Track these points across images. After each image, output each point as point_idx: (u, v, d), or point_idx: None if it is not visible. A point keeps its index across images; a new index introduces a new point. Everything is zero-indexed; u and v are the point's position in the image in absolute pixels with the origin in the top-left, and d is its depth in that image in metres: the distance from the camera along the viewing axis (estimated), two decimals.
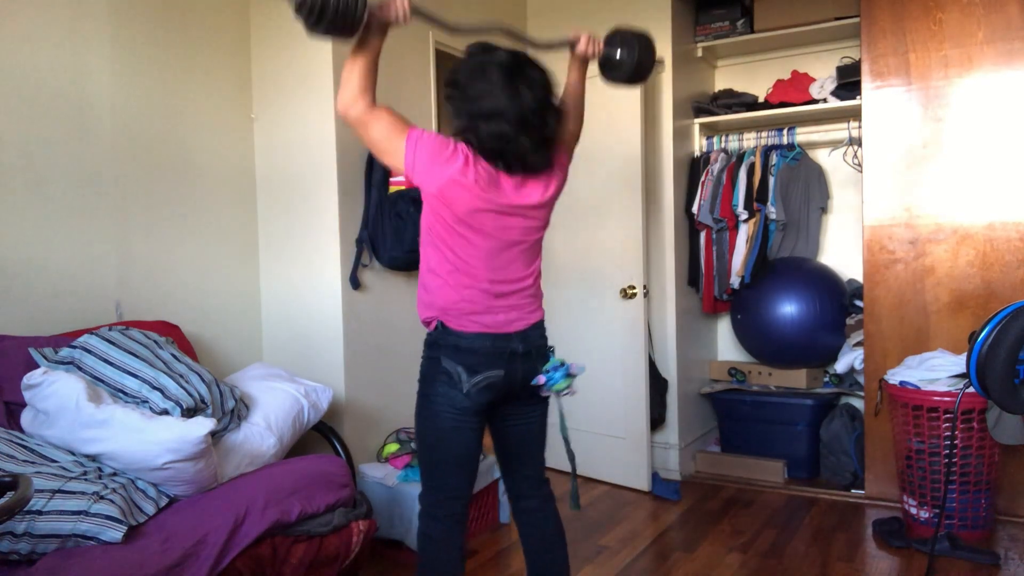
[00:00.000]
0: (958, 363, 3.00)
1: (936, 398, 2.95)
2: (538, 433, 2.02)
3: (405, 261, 3.05)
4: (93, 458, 2.02)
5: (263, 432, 2.41)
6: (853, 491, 3.55)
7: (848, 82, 3.65)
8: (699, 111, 4.08)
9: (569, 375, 1.89)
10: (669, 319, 3.88)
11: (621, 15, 3.89)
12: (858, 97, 3.52)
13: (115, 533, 1.77)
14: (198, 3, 2.95)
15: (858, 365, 3.59)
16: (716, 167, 3.92)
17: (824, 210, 4.03)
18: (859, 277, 3.75)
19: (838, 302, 3.77)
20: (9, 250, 2.34)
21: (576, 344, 3.84)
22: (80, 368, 2.15)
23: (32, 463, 1.92)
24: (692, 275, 4.05)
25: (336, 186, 2.95)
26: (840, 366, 3.73)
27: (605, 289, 3.73)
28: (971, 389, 2.32)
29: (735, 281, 3.88)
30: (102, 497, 1.81)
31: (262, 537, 2.03)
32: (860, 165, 3.61)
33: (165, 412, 2.13)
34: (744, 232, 3.86)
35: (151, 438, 1.96)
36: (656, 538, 3.13)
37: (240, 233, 3.13)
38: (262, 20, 3.14)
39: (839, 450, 3.68)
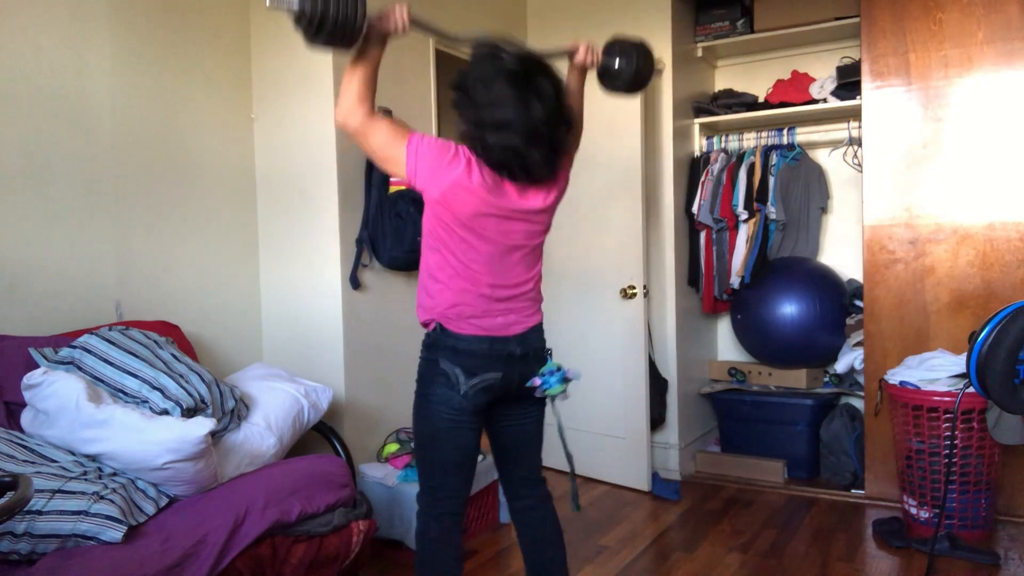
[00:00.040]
0: (958, 363, 3.00)
1: (936, 398, 2.95)
2: (534, 433, 2.02)
3: (405, 261, 3.05)
4: (93, 458, 2.02)
5: (263, 432, 2.41)
6: (853, 491, 3.55)
7: (848, 82, 3.65)
8: (699, 111, 4.08)
9: (565, 380, 1.89)
10: (669, 319, 3.88)
11: (621, 15, 3.89)
12: (858, 97, 3.52)
13: (115, 533, 1.77)
14: (198, 3, 2.95)
15: (858, 365, 3.59)
16: (716, 167, 3.92)
17: (824, 210, 4.03)
18: (859, 277, 3.75)
19: (838, 302, 3.77)
20: (9, 250, 2.34)
21: (576, 344, 3.84)
22: (80, 368, 2.15)
23: (32, 463, 1.92)
24: (692, 275, 4.05)
25: (336, 186, 2.95)
26: (840, 366, 3.73)
27: (605, 289, 3.73)
28: (971, 389, 2.32)
29: (735, 281, 3.88)
30: (102, 497, 1.81)
31: (262, 537, 2.03)
32: (860, 165, 3.61)
33: (165, 412, 2.13)
34: (744, 232, 3.86)
35: (151, 438, 1.96)
36: (656, 538, 3.13)
37: (240, 233, 3.13)
38: (262, 20, 3.14)
39: (839, 450, 3.68)
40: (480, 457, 2.84)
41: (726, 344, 4.38)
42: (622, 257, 3.65)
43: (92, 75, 2.57)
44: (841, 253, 4.01)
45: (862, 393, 3.64)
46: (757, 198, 3.83)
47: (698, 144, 4.14)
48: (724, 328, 4.37)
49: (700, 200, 3.92)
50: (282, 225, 3.14)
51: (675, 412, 3.87)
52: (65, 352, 2.20)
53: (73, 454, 2.02)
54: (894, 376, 3.13)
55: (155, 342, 2.37)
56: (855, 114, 3.66)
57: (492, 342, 1.83)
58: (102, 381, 2.14)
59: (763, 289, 3.83)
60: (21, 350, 2.21)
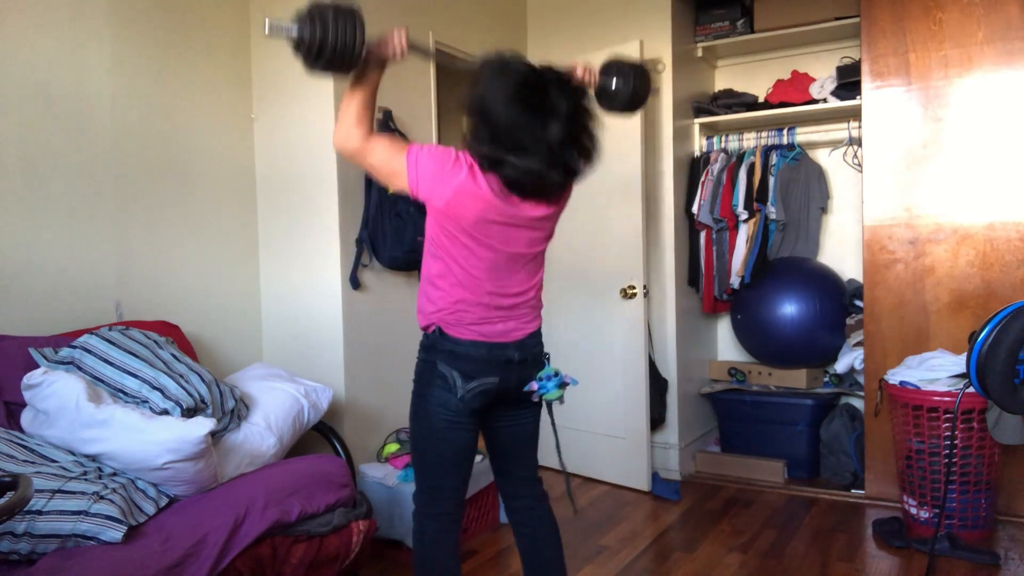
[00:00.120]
0: (958, 363, 3.00)
1: (936, 398, 2.95)
2: (531, 434, 2.02)
3: (405, 261, 3.05)
4: (93, 458, 2.02)
5: (263, 432, 2.41)
6: (853, 491, 3.55)
7: (848, 82, 3.65)
8: (699, 111, 4.08)
9: (562, 385, 1.90)
10: (669, 319, 3.88)
11: (621, 15, 3.89)
12: (858, 97, 3.52)
13: (115, 533, 1.77)
14: (198, 3, 2.95)
15: (858, 365, 3.59)
16: (716, 167, 3.92)
17: (824, 210, 4.03)
18: (859, 277, 3.75)
19: (838, 302, 3.77)
20: (9, 250, 2.34)
21: (576, 344, 3.84)
22: (80, 368, 2.15)
23: (32, 463, 1.92)
24: (692, 275, 4.05)
25: (336, 186, 2.95)
26: (840, 366, 3.74)
27: (605, 289, 3.73)
28: (971, 389, 2.32)
29: (735, 281, 3.88)
30: (102, 497, 1.81)
31: (262, 537, 2.03)
32: (860, 165, 3.61)
33: (165, 412, 2.13)
34: (744, 232, 3.86)
35: (151, 438, 1.96)
36: (656, 538, 3.13)
37: (240, 233, 3.13)
38: (262, 20, 3.13)
39: (839, 450, 3.68)
40: (479, 458, 2.85)
41: (726, 344, 4.38)
42: (622, 257, 3.65)
43: (92, 75, 2.57)
44: (841, 253, 4.01)
45: (862, 393, 3.64)
46: (757, 198, 3.83)
47: (698, 144, 4.14)
48: (724, 328, 4.37)
49: (700, 200, 3.92)
50: (282, 225, 3.14)
51: (675, 412, 3.87)
52: (65, 352, 2.20)
53: (73, 454, 2.02)
54: (894, 376, 3.13)
55: (155, 342, 2.37)
56: (855, 114, 3.66)
57: (491, 348, 1.84)
58: (102, 381, 2.14)
59: (763, 289, 3.83)
60: (21, 350, 2.21)
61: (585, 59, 2.02)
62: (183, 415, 2.15)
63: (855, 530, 3.16)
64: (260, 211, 3.20)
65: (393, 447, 3.01)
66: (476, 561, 2.90)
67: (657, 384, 3.80)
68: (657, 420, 3.80)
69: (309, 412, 2.58)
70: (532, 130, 1.67)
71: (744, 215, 3.84)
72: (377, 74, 1.81)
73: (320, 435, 2.71)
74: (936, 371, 3.02)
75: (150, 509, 1.95)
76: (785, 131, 3.93)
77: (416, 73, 3.34)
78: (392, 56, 1.79)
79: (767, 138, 3.97)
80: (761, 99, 4.04)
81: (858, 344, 3.59)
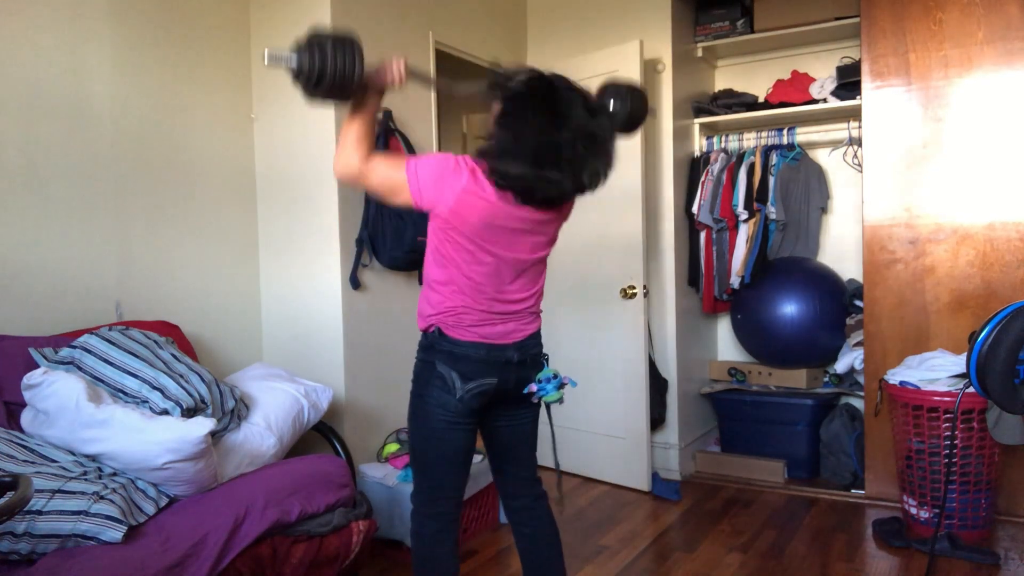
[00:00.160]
0: (958, 363, 3.00)
1: (936, 398, 2.95)
2: (529, 434, 2.02)
3: (405, 261, 3.05)
4: (93, 458, 2.02)
5: (263, 432, 2.41)
6: (853, 491, 3.55)
7: (848, 82, 3.65)
8: (699, 111, 4.08)
9: (561, 386, 1.90)
10: (669, 319, 3.88)
11: (621, 15, 3.90)
12: (858, 97, 3.52)
13: (115, 533, 1.77)
14: (198, 3, 2.95)
15: (858, 365, 3.59)
16: (716, 167, 3.93)
17: (824, 210, 4.03)
18: (859, 277, 3.75)
19: (838, 302, 3.77)
20: (9, 250, 2.34)
21: (576, 344, 3.84)
22: (80, 368, 2.15)
23: (32, 463, 1.92)
24: (692, 275, 4.05)
25: (336, 186, 2.95)
26: (840, 366, 3.74)
27: (605, 289, 3.73)
28: (971, 389, 2.32)
29: (735, 281, 3.88)
30: (102, 497, 1.81)
31: (262, 537, 2.03)
32: (860, 165, 3.61)
33: (165, 412, 2.13)
34: (744, 232, 3.86)
35: (151, 438, 1.96)
36: (656, 538, 3.13)
37: (240, 233, 3.13)
38: (262, 20, 3.14)
39: (839, 450, 3.68)
40: (479, 457, 2.85)
41: (726, 344, 4.38)
42: (622, 257, 3.65)
43: (92, 75, 2.58)
44: (841, 253, 4.01)
45: (862, 393, 3.64)
46: (757, 198, 3.83)
47: (698, 144, 4.14)
48: (724, 328, 4.37)
49: (700, 200, 3.92)
50: (282, 225, 3.14)
51: (675, 412, 3.87)
52: (65, 352, 2.20)
53: (73, 454, 2.02)
54: (894, 376, 3.13)
55: (155, 342, 2.37)
56: (855, 114, 3.66)
57: (490, 349, 1.84)
58: (102, 381, 2.14)
59: (763, 289, 3.83)
60: (21, 350, 2.21)
61: (583, 76, 2.02)
62: (183, 415, 2.15)
63: (855, 530, 3.16)
64: (260, 211, 3.20)
65: (393, 447, 3.01)
66: (476, 561, 2.90)
67: (657, 384, 3.80)
68: (657, 420, 3.80)
69: (309, 412, 2.58)
70: (549, 143, 1.66)
71: (744, 215, 3.84)
72: (375, 101, 1.82)
73: (320, 435, 2.71)
74: (936, 371, 3.02)
75: (150, 509, 1.95)
76: (785, 131, 3.93)
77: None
78: (391, 84, 1.80)
79: (767, 138, 3.97)
80: (761, 99, 4.04)
81: (858, 344, 3.59)
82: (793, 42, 3.98)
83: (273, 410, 2.49)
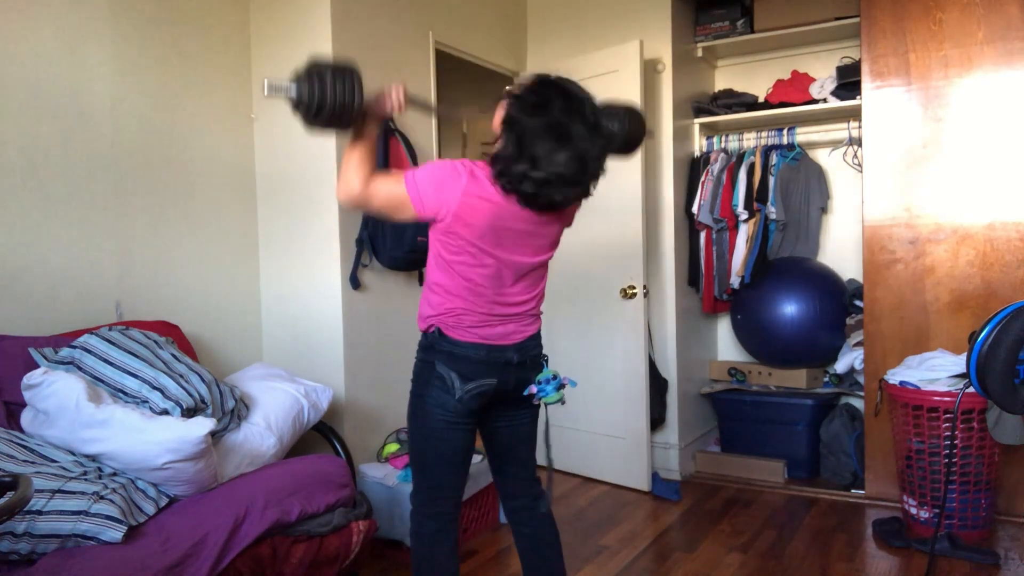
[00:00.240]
0: (958, 363, 3.00)
1: (936, 398, 2.95)
2: (528, 435, 2.03)
3: (405, 261, 3.05)
4: (93, 458, 2.02)
5: (263, 432, 2.41)
6: (853, 491, 3.55)
7: (848, 82, 3.65)
8: (699, 111, 4.08)
9: (560, 387, 1.90)
10: (669, 319, 3.88)
11: (621, 15, 3.90)
12: (858, 97, 3.52)
13: (115, 533, 1.77)
14: (198, 3, 2.95)
15: (858, 365, 3.59)
16: (716, 167, 3.92)
17: (824, 210, 4.03)
18: (859, 277, 3.75)
19: (838, 302, 3.77)
20: (9, 250, 2.34)
21: (576, 344, 3.84)
22: (80, 368, 2.15)
23: (32, 463, 1.92)
24: (692, 275, 4.05)
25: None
26: (840, 366, 3.74)
27: (605, 289, 3.73)
28: (971, 389, 2.32)
29: (735, 281, 3.88)
30: (102, 497, 1.81)
31: (262, 537, 2.03)
32: (860, 165, 3.61)
33: (165, 412, 2.13)
34: (744, 232, 3.86)
35: (151, 438, 1.96)
36: (656, 538, 3.13)
37: (240, 233, 3.13)
38: (262, 20, 3.14)
39: (839, 450, 3.68)
40: (478, 458, 2.85)
41: (726, 344, 4.38)
42: (622, 257, 3.65)
43: (92, 75, 2.58)
44: (841, 253, 4.01)
45: (862, 393, 3.63)
46: (757, 198, 3.83)
47: (698, 144, 4.13)
48: (724, 328, 4.37)
49: (700, 200, 3.92)
50: (282, 225, 3.14)
51: (675, 412, 3.87)
52: (65, 352, 2.20)
53: (73, 454, 2.02)
54: (894, 376, 3.13)
55: (155, 342, 2.37)
56: (855, 114, 3.66)
57: (490, 350, 1.84)
58: (102, 381, 2.14)
59: (763, 289, 3.83)
60: (21, 350, 2.21)
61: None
62: (183, 415, 2.15)
63: (855, 530, 3.16)
64: (260, 211, 3.20)
65: (393, 447, 3.01)
66: (476, 561, 2.90)
67: (657, 384, 3.80)
68: (657, 420, 3.80)
69: (309, 412, 2.58)
70: (559, 147, 1.67)
71: (744, 215, 3.84)
72: (375, 129, 1.83)
73: (320, 435, 2.71)
74: (936, 371, 3.02)
75: (150, 509, 1.95)
76: (785, 131, 3.92)
77: (416, 73, 3.34)
78: (390, 111, 1.82)
79: (767, 138, 3.97)
80: (761, 99, 4.04)
81: (858, 344, 3.59)
82: (793, 42, 3.98)
83: (273, 410, 2.49)
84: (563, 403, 1.92)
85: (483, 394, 1.85)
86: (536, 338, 1.95)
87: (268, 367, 2.81)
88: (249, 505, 2.04)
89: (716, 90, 4.26)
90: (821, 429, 3.77)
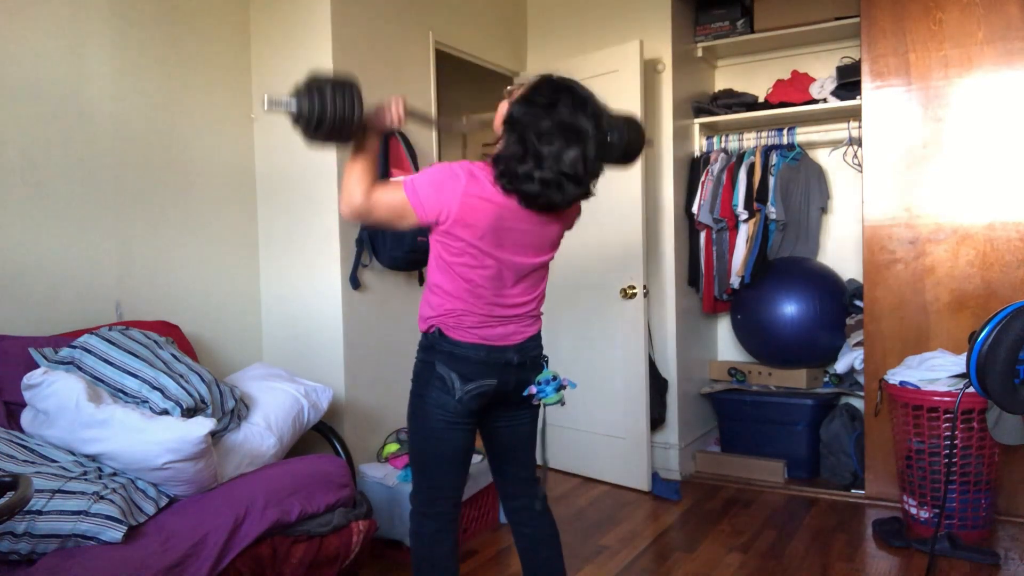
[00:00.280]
0: (958, 363, 3.00)
1: (936, 398, 2.95)
2: (528, 435, 2.03)
3: (405, 261, 3.05)
4: (93, 458, 2.02)
5: (263, 432, 2.41)
6: (853, 491, 3.55)
7: (848, 82, 3.65)
8: (699, 111, 4.08)
9: (560, 388, 1.90)
10: (669, 319, 3.88)
11: (621, 15, 3.89)
12: (858, 97, 3.52)
13: (115, 533, 1.77)
14: (198, 3, 2.95)
15: (858, 365, 3.59)
16: (716, 167, 3.92)
17: (824, 210, 4.03)
18: (859, 277, 3.75)
19: (838, 302, 3.77)
20: (9, 250, 2.34)
21: (576, 344, 3.84)
22: (80, 368, 2.15)
23: (32, 463, 1.92)
24: (692, 275, 4.05)
25: (336, 186, 2.95)
26: (840, 366, 3.74)
27: (605, 289, 3.73)
28: (971, 389, 2.32)
29: (735, 281, 3.88)
30: (102, 497, 1.81)
31: (262, 537, 2.03)
32: (860, 165, 3.61)
33: (165, 412, 2.13)
34: (744, 232, 3.86)
35: (151, 438, 1.96)
36: (656, 538, 3.13)
37: (240, 233, 3.13)
38: (262, 20, 3.14)
39: (839, 450, 3.68)
40: (478, 458, 2.85)
41: (726, 344, 4.38)
42: (622, 257, 3.65)
43: (92, 75, 2.57)
44: (841, 253, 4.01)
45: (862, 393, 3.63)
46: (757, 198, 3.83)
47: (698, 144, 4.13)
48: (724, 328, 4.37)
49: (700, 200, 3.92)
50: (282, 225, 3.14)
51: (675, 412, 3.87)
52: (65, 352, 2.20)
53: (73, 454, 2.02)
54: (894, 376, 3.13)
55: (155, 342, 2.37)
56: (855, 114, 3.66)
57: (490, 350, 1.84)
58: (102, 381, 2.14)
59: (763, 289, 3.83)
60: (21, 350, 2.21)
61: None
62: (183, 415, 2.15)
63: (855, 530, 3.16)
64: (260, 211, 3.20)
65: (393, 447, 3.01)
66: (476, 561, 2.90)
67: (657, 384, 3.80)
68: (657, 420, 3.80)
69: (309, 412, 2.58)
70: (567, 147, 1.68)
71: (744, 215, 3.84)
72: (376, 142, 1.83)
73: (320, 435, 2.71)
74: (936, 371, 3.02)
75: (150, 509, 1.95)
76: (785, 131, 3.92)
77: (416, 73, 3.34)
78: (390, 125, 1.82)
79: (767, 138, 3.97)
80: (761, 99, 4.04)
81: (858, 344, 3.59)
82: (793, 42, 3.98)
83: (273, 410, 2.49)
84: (562, 404, 1.92)
85: (483, 395, 1.85)
86: (536, 339, 1.95)
87: (268, 367, 2.81)
88: (249, 505, 2.04)
89: (716, 90, 4.26)
90: (821, 429, 3.77)
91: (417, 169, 2.96)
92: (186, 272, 2.90)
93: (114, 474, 2.01)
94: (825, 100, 3.78)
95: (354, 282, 3.00)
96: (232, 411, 2.36)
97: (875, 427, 3.43)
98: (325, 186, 2.98)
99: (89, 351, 2.19)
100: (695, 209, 3.94)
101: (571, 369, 3.50)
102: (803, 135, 3.92)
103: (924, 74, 3.30)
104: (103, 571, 1.68)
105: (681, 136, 3.97)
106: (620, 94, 3.41)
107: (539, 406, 1.97)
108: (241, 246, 3.14)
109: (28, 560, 1.72)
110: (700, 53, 4.06)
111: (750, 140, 4.01)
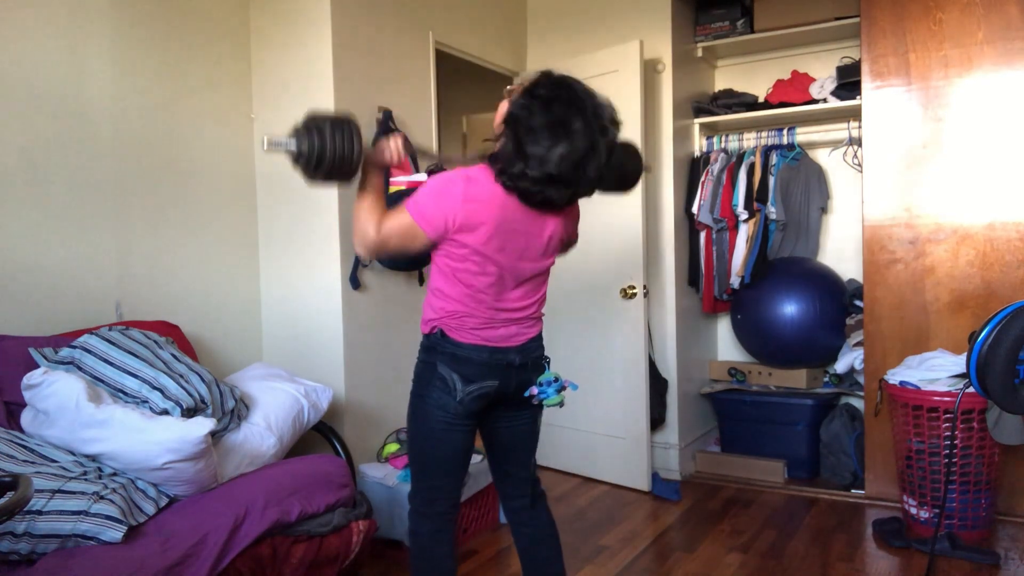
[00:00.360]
0: (958, 363, 3.00)
1: (936, 398, 2.95)
2: (529, 435, 2.03)
3: (405, 261, 3.05)
4: (93, 458, 2.02)
5: (263, 432, 2.41)
6: (853, 491, 3.55)
7: (848, 82, 3.65)
8: (699, 111, 4.08)
9: (561, 389, 1.90)
10: (669, 319, 3.88)
11: (621, 15, 3.89)
12: (858, 97, 3.52)
13: (115, 533, 1.77)
14: (198, 3, 2.95)
15: (858, 365, 3.59)
16: (716, 167, 3.92)
17: (824, 210, 4.03)
18: (859, 277, 3.75)
19: (838, 302, 3.77)
20: (9, 250, 2.34)
21: (576, 345, 3.84)
22: (80, 368, 2.15)
23: (32, 463, 1.92)
24: (692, 275, 4.05)
25: (336, 186, 2.95)
26: (840, 366, 3.73)
27: (605, 289, 3.73)
28: (971, 389, 2.32)
29: (735, 281, 3.88)
30: (102, 497, 1.81)
31: (262, 537, 2.03)
32: (860, 165, 3.61)
33: (165, 412, 2.13)
34: (744, 232, 3.86)
35: (151, 438, 1.96)
36: (656, 538, 3.13)
37: (240, 233, 3.13)
38: (262, 20, 3.14)
39: (839, 450, 3.68)
40: (478, 458, 2.85)
41: (726, 344, 4.38)
42: (622, 257, 3.65)
43: (92, 75, 2.57)
44: (841, 253, 4.01)
45: (862, 393, 3.63)
46: (757, 198, 3.83)
47: (698, 144, 4.13)
48: (724, 328, 4.37)
49: (700, 200, 3.92)
50: (282, 225, 3.14)
51: (675, 412, 3.87)
52: (65, 352, 2.20)
53: (73, 454, 2.02)
54: (894, 376, 3.13)
55: (155, 342, 2.37)
56: (855, 114, 3.66)
57: (492, 352, 1.84)
58: (102, 381, 2.14)
59: (763, 289, 3.83)
60: (21, 350, 2.21)
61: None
62: (183, 415, 2.15)
63: (855, 530, 3.16)
64: (260, 211, 3.20)
65: (393, 447, 3.01)
66: (476, 561, 2.90)
67: (657, 384, 3.80)
68: (657, 420, 3.80)
69: (309, 412, 2.58)
70: (554, 146, 1.67)
71: (744, 215, 3.84)
72: (379, 178, 1.84)
73: (320, 435, 2.71)
74: (936, 371, 3.02)
75: (150, 509, 1.95)
76: (785, 131, 3.92)
77: (416, 73, 3.34)
78: (390, 161, 1.83)
79: (767, 138, 3.97)
80: (761, 99, 4.04)
81: (858, 344, 3.59)
82: (793, 42, 3.98)
83: (273, 410, 2.49)
84: (562, 405, 1.92)
85: (484, 396, 1.85)
86: (538, 340, 1.95)
87: (268, 367, 2.81)
88: (249, 505, 2.04)
89: (716, 90, 4.26)
90: (821, 429, 3.77)
91: (417, 168, 2.96)
92: (186, 272, 2.90)
93: (114, 474, 2.01)
94: (825, 100, 3.78)
95: (354, 282, 3.00)
96: (232, 411, 2.36)
97: (875, 427, 3.43)
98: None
99: (89, 351, 2.19)
100: (695, 209, 3.94)
101: (571, 369, 3.51)
102: (803, 135, 3.93)
103: (924, 74, 3.30)
104: (103, 571, 1.68)
105: (681, 136, 3.97)
106: (620, 94, 3.41)
107: (539, 407, 1.97)
108: (241, 246, 3.14)
109: (28, 560, 1.73)
110: (700, 53, 4.06)
111: (750, 140, 4.01)
